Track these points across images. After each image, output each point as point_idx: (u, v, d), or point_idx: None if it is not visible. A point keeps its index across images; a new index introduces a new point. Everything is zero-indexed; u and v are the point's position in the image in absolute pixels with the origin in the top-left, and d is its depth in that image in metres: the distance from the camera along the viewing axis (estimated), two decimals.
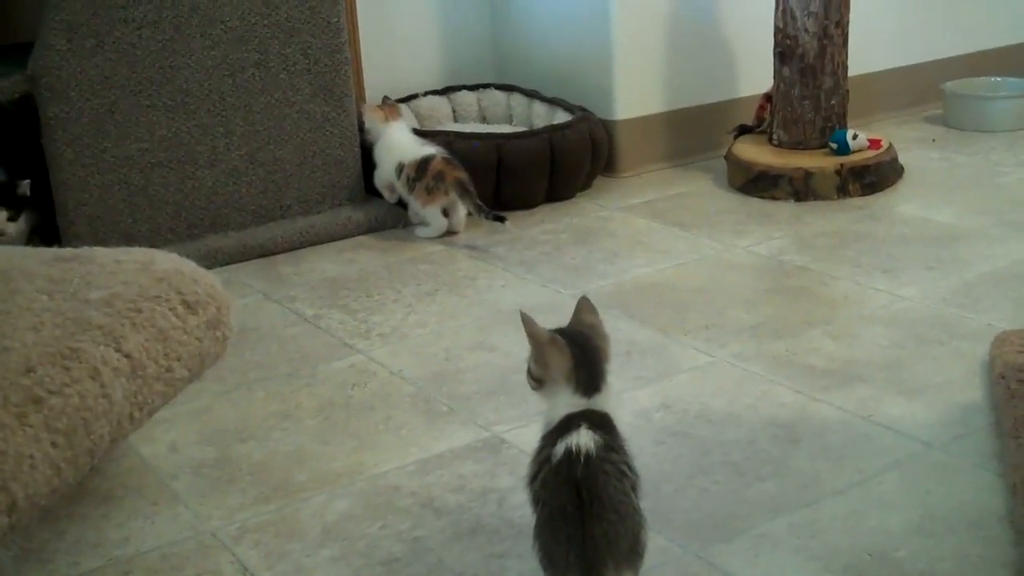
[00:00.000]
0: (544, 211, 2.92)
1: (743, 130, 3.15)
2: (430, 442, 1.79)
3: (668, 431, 1.78)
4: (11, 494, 1.15)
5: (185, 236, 2.64)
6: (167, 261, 1.54)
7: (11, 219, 2.48)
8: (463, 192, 2.68)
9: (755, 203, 2.88)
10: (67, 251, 1.54)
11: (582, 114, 3.04)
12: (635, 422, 1.81)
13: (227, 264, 2.62)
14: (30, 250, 1.59)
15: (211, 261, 2.60)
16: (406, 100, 3.30)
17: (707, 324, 2.17)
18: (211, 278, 1.59)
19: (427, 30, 3.40)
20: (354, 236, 2.77)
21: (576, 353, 1.34)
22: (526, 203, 2.93)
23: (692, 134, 3.24)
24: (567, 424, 1.31)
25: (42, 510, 1.25)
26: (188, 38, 2.55)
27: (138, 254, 1.54)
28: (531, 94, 3.27)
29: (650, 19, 3.13)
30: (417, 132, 2.92)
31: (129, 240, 2.56)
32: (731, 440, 1.74)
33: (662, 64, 3.17)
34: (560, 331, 1.36)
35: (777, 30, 2.92)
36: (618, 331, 2.16)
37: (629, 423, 1.78)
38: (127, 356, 1.28)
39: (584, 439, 1.27)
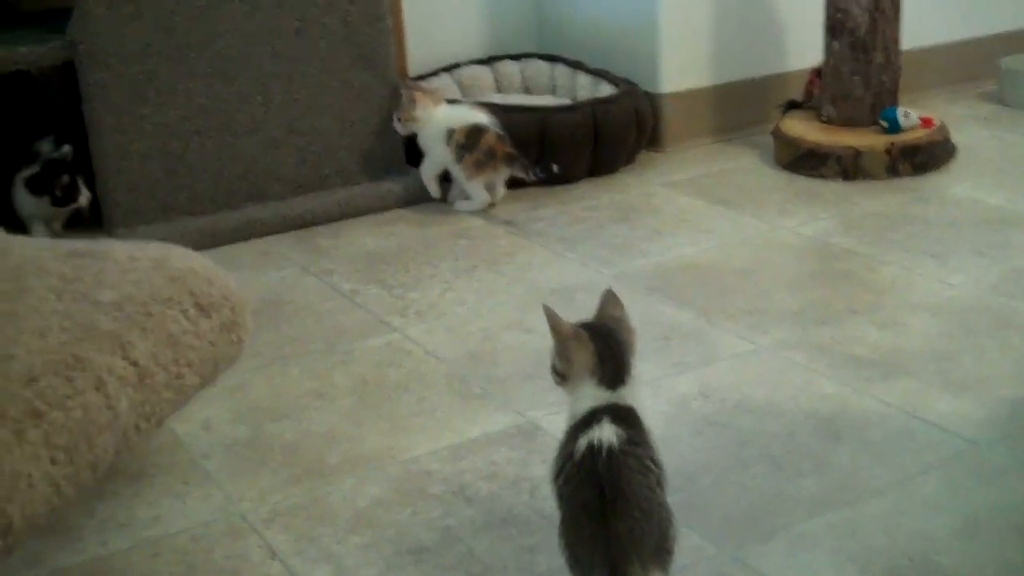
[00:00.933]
0: (586, 186, 2.88)
1: (791, 105, 3.08)
2: (464, 426, 1.76)
3: (706, 421, 1.74)
4: (7, 515, 1.12)
5: (223, 205, 2.62)
6: (182, 259, 1.49)
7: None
8: (512, 163, 2.65)
9: (802, 181, 2.81)
10: (82, 245, 1.50)
11: (627, 87, 2.99)
12: (672, 411, 1.77)
13: (265, 235, 2.60)
14: (47, 242, 1.54)
15: (249, 232, 2.59)
16: (448, 69, 3.26)
17: (750, 309, 2.12)
18: (226, 278, 1.53)
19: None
20: (393, 208, 2.74)
21: (600, 346, 1.31)
22: (568, 178, 2.88)
23: (739, 108, 3.18)
24: (590, 418, 1.28)
25: (41, 528, 1.22)
26: (227, 4, 2.52)
27: (153, 250, 1.49)
28: (575, 65, 3.21)
29: None
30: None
31: (168, 208, 2.55)
32: (771, 432, 1.70)
33: (709, 36, 3.10)
34: (584, 324, 1.33)
35: (828, 3, 2.84)
36: (658, 314, 2.12)
37: (666, 411, 1.77)
38: (134, 364, 1.24)
39: (607, 433, 1.24)
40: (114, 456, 1.28)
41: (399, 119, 2.67)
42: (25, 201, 2.53)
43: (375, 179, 2.78)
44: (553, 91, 3.26)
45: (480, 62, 3.31)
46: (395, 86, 2.74)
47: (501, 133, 2.66)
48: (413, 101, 2.64)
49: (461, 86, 3.26)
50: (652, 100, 3.05)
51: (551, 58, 3.29)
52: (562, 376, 1.33)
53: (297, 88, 2.65)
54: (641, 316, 2.11)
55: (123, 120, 2.46)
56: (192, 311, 1.34)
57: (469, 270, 2.37)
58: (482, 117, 2.66)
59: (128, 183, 2.50)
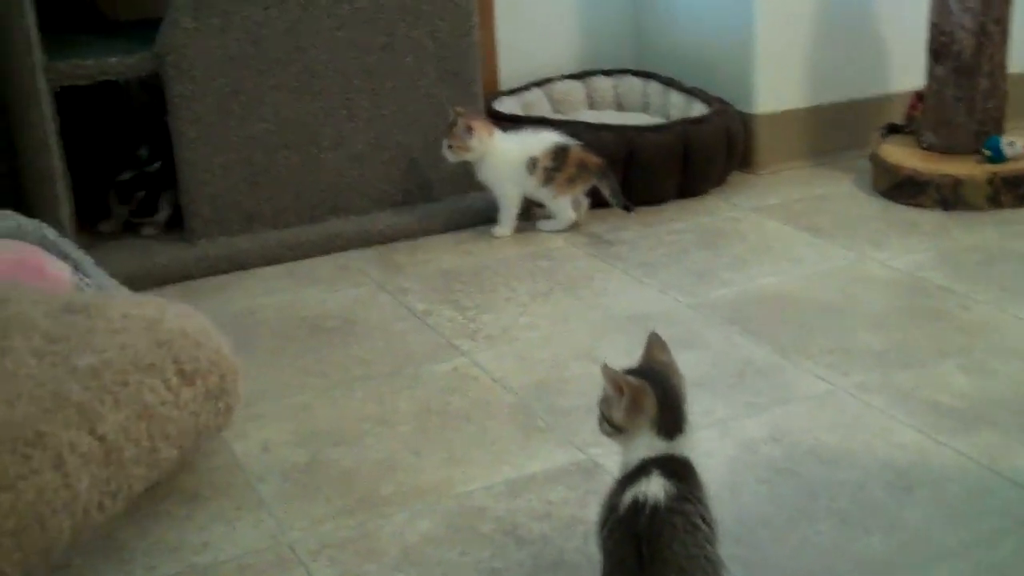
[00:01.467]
0: (673, 208, 2.81)
1: (892, 129, 2.97)
2: (523, 460, 1.72)
3: (774, 467, 1.67)
4: None
5: (306, 219, 2.63)
6: (177, 319, 1.42)
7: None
8: (603, 176, 2.61)
9: (898, 210, 2.71)
10: (80, 300, 1.45)
11: (719, 107, 2.92)
12: (739, 455, 1.71)
13: (346, 249, 2.60)
14: (44, 296, 1.48)
15: (330, 246, 2.59)
16: (540, 84, 3.23)
17: (831, 346, 2.04)
18: (218, 341, 1.44)
19: (566, 12, 3.31)
20: (475, 226, 2.72)
21: (659, 394, 1.26)
22: (655, 199, 2.83)
23: (836, 131, 3.08)
24: (641, 470, 1.24)
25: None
26: (315, 19, 2.53)
27: (151, 308, 1.43)
28: (669, 82, 3.15)
29: (796, 7, 2.97)
30: (550, 122, 2.85)
31: (250, 220, 2.56)
32: (841, 482, 1.62)
33: (807, 55, 3.01)
34: (636, 371, 1.29)
35: (932, 25, 2.73)
36: (734, 348, 2.05)
37: (732, 456, 1.70)
38: (100, 439, 1.20)
39: (654, 488, 1.19)
40: (72, 537, 1.21)
41: (450, 147, 2.59)
42: (114, 204, 2.62)
43: (458, 195, 2.76)
44: (646, 108, 3.20)
45: (573, 77, 3.27)
46: (456, 110, 2.64)
47: (583, 144, 2.62)
48: (470, 130, 2.56)
49: (552, 101, 3.23)
50: (746, 120, 2.98)
51: (645, 75, 3.23)
52: (616, 428, 1.29)
53: (383, 103, 2.65)
54: (716, 350, 2.05)
55: (207, 132, 2.48)
56: (174, 379, 1.28)
57: (545, 293, 2.33)
58: (558, 137, 2.62)
59: (211, 195, 2.51)
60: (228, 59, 2.47)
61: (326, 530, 1.57)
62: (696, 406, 1.83)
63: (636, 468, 1.25)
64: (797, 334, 2.10)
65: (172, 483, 1.68)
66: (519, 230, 2.68)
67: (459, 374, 2.01)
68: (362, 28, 2.57)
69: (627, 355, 1.38)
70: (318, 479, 1.69)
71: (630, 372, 1.30)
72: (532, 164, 2.60)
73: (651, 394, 1.26)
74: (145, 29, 2.49)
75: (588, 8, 3.33)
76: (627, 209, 2.62)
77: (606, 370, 1.27)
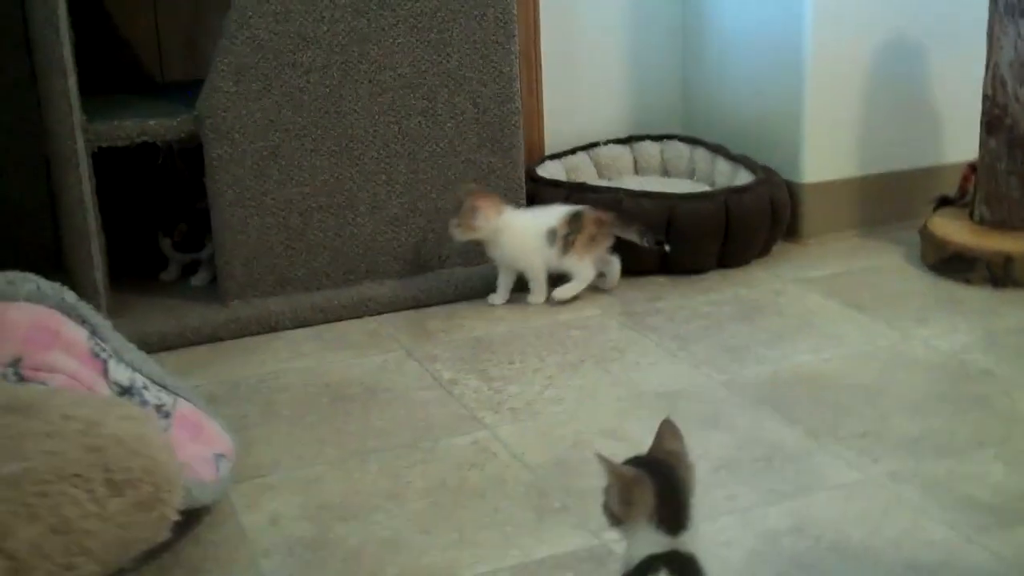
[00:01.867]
0: (713, 278, 2.76)
1: (944, 202, 2.89)
2: (533, 544, 1.67)
3: (794, 562, 1.60)
4: None
5: (340, 282, 2.61)
6: (115, 424, 1.33)
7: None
8: (624, 225, 2.61)
9: (946, 286, 2.63)
10: (26, 396, 1.37)
11: (764, 176, 2.86)
12: (759, 547, 1.64)
13: (378, 314, 2.58)
14: None
15: (363, 310, 2.57)
16: (586, 148, 3.21)
17: (864, 431, 1.97)
18: (158, 449, 1.35)
19: (614, 76, 3.29)
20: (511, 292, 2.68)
21: (661, 487, 1.21)
22: (695, 268, 2.78)
23: (886, 201, 3.01)
24: (647, 568, 1.19)
25: None
26: (356, 84, 2.53)
27: (91, 410, 1.34)
28: (716, 149, 3.10)
29: (847, 75, 2.92)
30: (586, 187, 2.83)
31: (284, 283, 2.55)
32: None
33: (857, 124, 2.95)
34: (640, 460, 1.24)
35: (985, 98, 2.66)
36: (762, 431, 1.99)
37: (752, 548, 1.64)
38: (10, 558, 1.14)
39: None
40: None
41: (458, 225, 2.54)
42: (163, 244, 2.71)
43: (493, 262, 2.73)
44: (692, 175, 3.16)
45: (619, 142, 3.24)
46: (464, 189, 2.60)
47: (594, 208, 2.61)
48: (475, 210, 2.51)
49: (598, 166, 3.20)
50: (793, 189, 2.92)
51: (692, 141, 3.20)
52: (617, 519, 1.24)
53: (422, 168, 2.64)
54: (744, 431, 1.98)
55: (244, 195, 2.49)
56: (101, 490, 1.23)
57: (575, 365, 2.29)
58: (569, 207, 2.62)
59: (245, 256, 2.51)
60: (268, 123, 2.48)
61: None
62: (718, 491, 1.79)
63: (640, 565, 1.20)
64: (830, 417, 2.03)
65: (176, 555, 1.66)
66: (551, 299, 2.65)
67: (478, 448, 1.97)
68: (403, 94, 2.57)
69: (652, 434, 1.32)
70: (323, 556, 1.66)
71: (635, 461, 1.25)
72: (552, 235, 2.58)
73: (648, 486, 1.21)
74: (189, 91, 2.51)
75: (636, 73, 3.31)
76: (660, 244, 2.62)
77: (601, 459, 1.22)
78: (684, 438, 1.29)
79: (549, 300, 2.62)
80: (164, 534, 1.32)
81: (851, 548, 1.63)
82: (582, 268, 2.61)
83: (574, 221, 2.58)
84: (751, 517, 1.72)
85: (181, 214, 2.67)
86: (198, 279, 2.69)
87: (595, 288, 2.66)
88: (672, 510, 1.22)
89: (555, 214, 2.60)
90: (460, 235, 2.55)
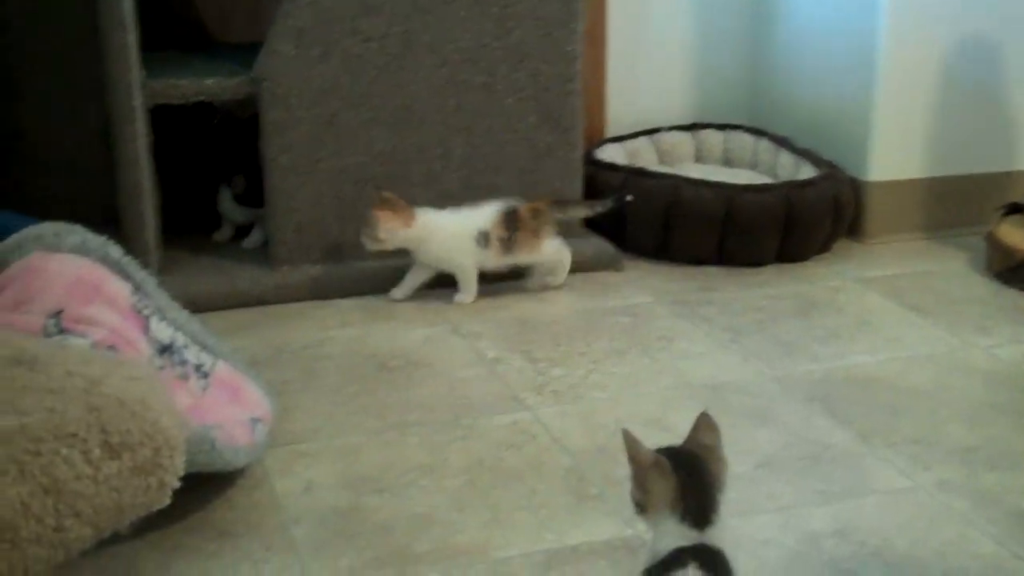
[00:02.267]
0: (771, 272, 2.70)
1: (1014, 209, 2.80)
2: (568, 529, 1.64)
3: (834, 566, 1.55)
4: None
5: (390, 252, 2.58)
6: (119, 384, 1.28)
7: None
8: (562, 207, 2.53)
9: (1010, 295, 2.55)
10: (33, 349, 1.31)
11: (828, 171, 2.79)
12: (800, 548, 1.59)
13: (431, 288, 2.55)
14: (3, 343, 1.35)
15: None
16: (648, 133, 3.15)
17: (917, 437, 1.90)
18: (159, 412, 1.29)
19: (680, 61, 3.24)
20: None
21: (682, 478, 1.17)
22: (753, 261, 2.72)
23: (954, 205, 2.92)
24: (674, 560, 1.15)
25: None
26: (416, 55, 2.50)
27: (97, 367, 1.29)
28: (781, 141, 3.04)
29: (921, 72, 2.83)
30: (646, 173, 2.78)
31: (334, 250, 2.53)
32: None
33: (929, 124, 2.87)
34: (668, 451, 1.20)
35: None
36: (811, 429, 1.93)
37: (792, 548, 1.59)
38: None
39: None
40: None
41: (365, 236, 2.42)
42: (221, 196, 2.71)
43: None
44: (754, 166, 3.10)
45: (682, 128, 3.19)
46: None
47: (521, 200, 2.51)
48: (375, 221, 2.39)
49: (659, 152, 3.15)
50: (857, 187, 2.85)
51: (757, 132, 3.13)
52: (641, 507, 1.20)
53: (478, 143, 2.60)
54: (792, 429, 1.93)
55: (298, 161, 2.47)
56: (97, 451, 1.17)
57: (621, 352, 2.25)
58: (499, 205, 2.48)
59: (297, 223, 2.49)
60: (325, 89, 2.45)
61: None
62: (761, 488, 1.74)
63: (667, 558, 1.17)
64: (882, 420, 1.96)
65: (207, 516, 1.65)
66: (607, 282, 2.61)
67: (518, 429, 1.93)
68: (463, 67, 2.54)
69: None
70: (354, 527, 1.63)
71: (666, 451, 1.21)
72: (483, 237, 2.45)
73: (668, 475, 1.17)
74: (250, 53, 2.50)
75: (704, 58, 3.25)
76: (623, 200, 2.59)
77: (627, 435, 1.19)
78: (720, 432, 1.25)
79: (543, 287, 2.55)
80: (164, 500, 1.27)
81: (894, 556, 1.57)
82: (548, 255, 2.52)
83: (510, 220, 2.46)
84: (793, 517, 1.67)
85: (240, 166, 2.65)
86: (250, 242, 2.68)
87: (642, 280, 2.61)
88: (698, 503, 1.18)
89: (485, 215, 2.46)
90: (370, 244, 2.42)
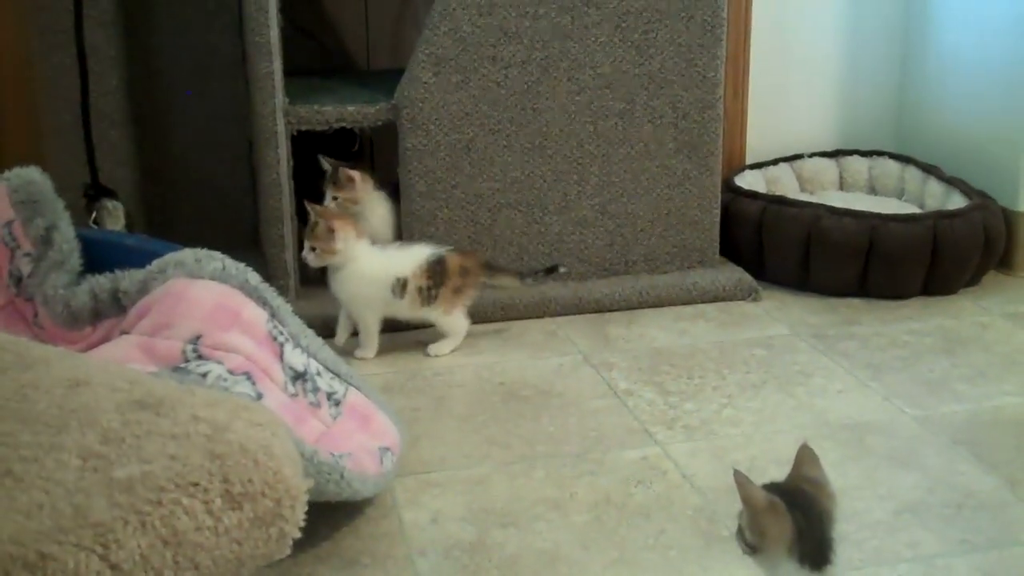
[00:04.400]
0: (915, 305, 2.60)
1: None
2: (697, 572, 1.60)
3: None
4: None
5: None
6: (243, 430, 1.25)
7: None
8: (492, 271, 2.38)
9: None
10: (160, 391, 1.30)
11: (979, 201, 2.69)
12: None
13: (558, 315, 2.54)
14: (127, 382, 1.33)
15: (543, 310, 2.54)
16: (789, 160, 3.09)
17: None
18: (282, 461, 1.25)
19: (824, 85, 3.16)
20: (696, 303, 2.60)
21: (798, 519, 1.14)
22: (897, 293, 2.63)
23: None
24: None
25: None
26: (554, 81, 2.49)
27: (224, 411, 1.27)
28: (929, 169, 2.94)
29: None
30: (786, 201, 2.71)
31: None
32: None
33: None
34: (778, 488, 1.16)
35: None
36: (956, 474, 1.85)
37: None
38: (113, 567, 1.08)
39: None
40: None
41: (312, 248, 2.26)
42: None
43: (683, 269, 2.66)
44: (900, 195, 3.00)
45: (825, 155, 3.11)
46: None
47: (456, 248, 2.37)
48: (332, 232, 2.23)
49: (801, 179, 3.08)
50: (1010, 218, 2.73)
51: (903, 159, 3.03)
52: (751, 547, 1.17)
53: (615, 170, 2.58)
54: (935, 474, 1.85)
55: (435, 187, 2.49)
56: (218, 502, 1.14)
57: (757, 386, 2.19)
58: (430, 250, 2.33)
59: None
60: (463, 115, 2.47)
61: None
62: (901, 535, 1.67)
63: None
64: None
65: (334, 545, 1.66)
66: (744, 312, 2.55)
67: (648, 465, 1.90)
68: (601, 93, 2.52)
69: (834, 468, 1.24)
70: (479, 561, 1.63)
71: (772, 487, 1.18)
72: (400, 286, 2.28)
73: (784, 516, 1.14)
74: (391, 80, 2.53)
75: (848, 83, 3.16)
76: (553, 271, 2.45)
77: (738, 476, 1.15)
78: (821, 464, 1.21)
79: (425, 353, 2.35)
80: (284, 551, 1.25)
81: None
82: (452, 322, 2.35)
83: (435, 270, 2.30)
84: (934, 567, 1.60)
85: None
86: None
87: (780, 311, 2.55)
88: (815, 543, 1.15)
89: (411, 261, 2.30)
90: (315, 260, 2.28)
